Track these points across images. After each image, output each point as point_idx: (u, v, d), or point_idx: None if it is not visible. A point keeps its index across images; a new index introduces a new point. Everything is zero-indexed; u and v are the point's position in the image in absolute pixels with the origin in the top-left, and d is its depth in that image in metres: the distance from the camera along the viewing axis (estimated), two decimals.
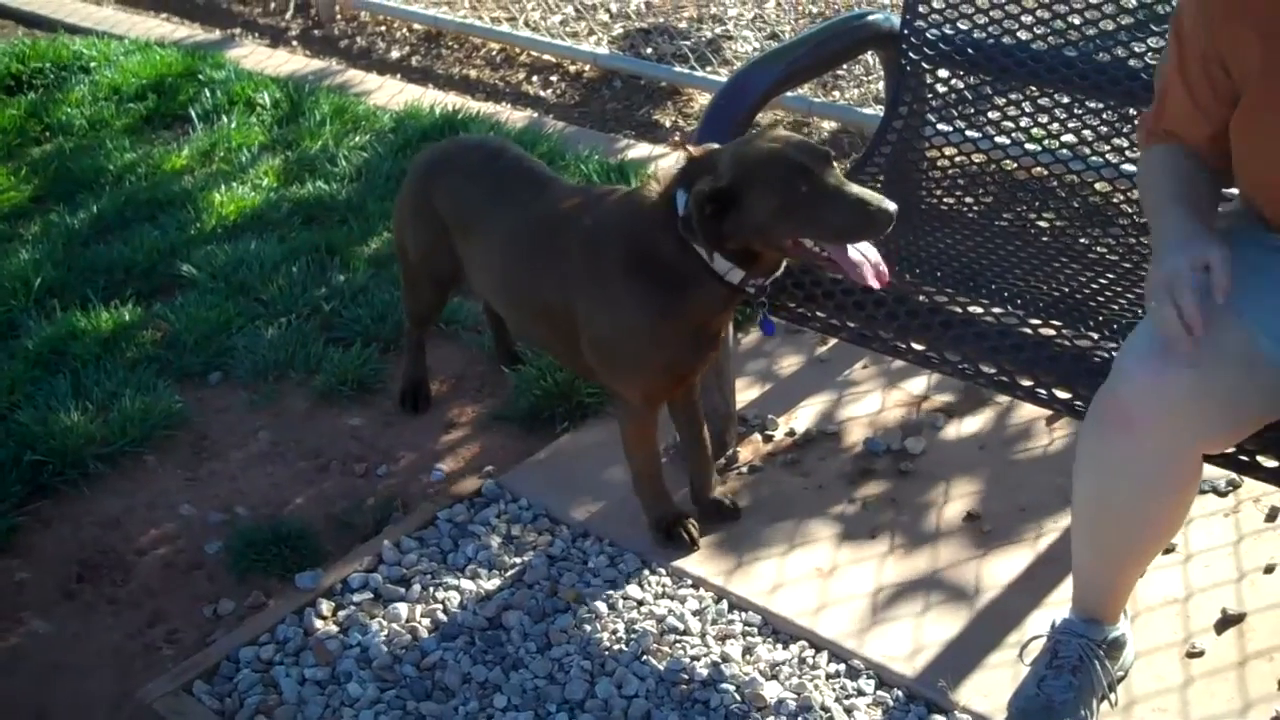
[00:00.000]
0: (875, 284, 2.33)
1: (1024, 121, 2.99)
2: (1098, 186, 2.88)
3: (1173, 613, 2.51)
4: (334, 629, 2.59)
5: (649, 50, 5.39)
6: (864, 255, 2.33)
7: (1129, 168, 2.79)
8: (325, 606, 2.64)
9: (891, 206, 2.26)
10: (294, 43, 6.06)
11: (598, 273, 2.52)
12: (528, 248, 2.69)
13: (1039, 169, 2.97)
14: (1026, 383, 2.33)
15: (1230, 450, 2.10)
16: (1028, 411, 3.07)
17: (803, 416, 3.16)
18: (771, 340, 3.41)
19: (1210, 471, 2.20)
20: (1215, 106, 2.07)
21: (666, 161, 4.49)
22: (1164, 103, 2.16)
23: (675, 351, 2.53)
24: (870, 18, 3.06)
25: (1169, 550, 2.62)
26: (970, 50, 3.00)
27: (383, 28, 6.08)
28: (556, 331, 2.66)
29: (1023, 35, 2.97)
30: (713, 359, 2.69)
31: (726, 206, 2.31)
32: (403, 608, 2.62)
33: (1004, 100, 2.99)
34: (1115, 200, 2.84)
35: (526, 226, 2.69)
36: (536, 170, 2.87)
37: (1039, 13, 2.95)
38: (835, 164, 2.33)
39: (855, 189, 2.29)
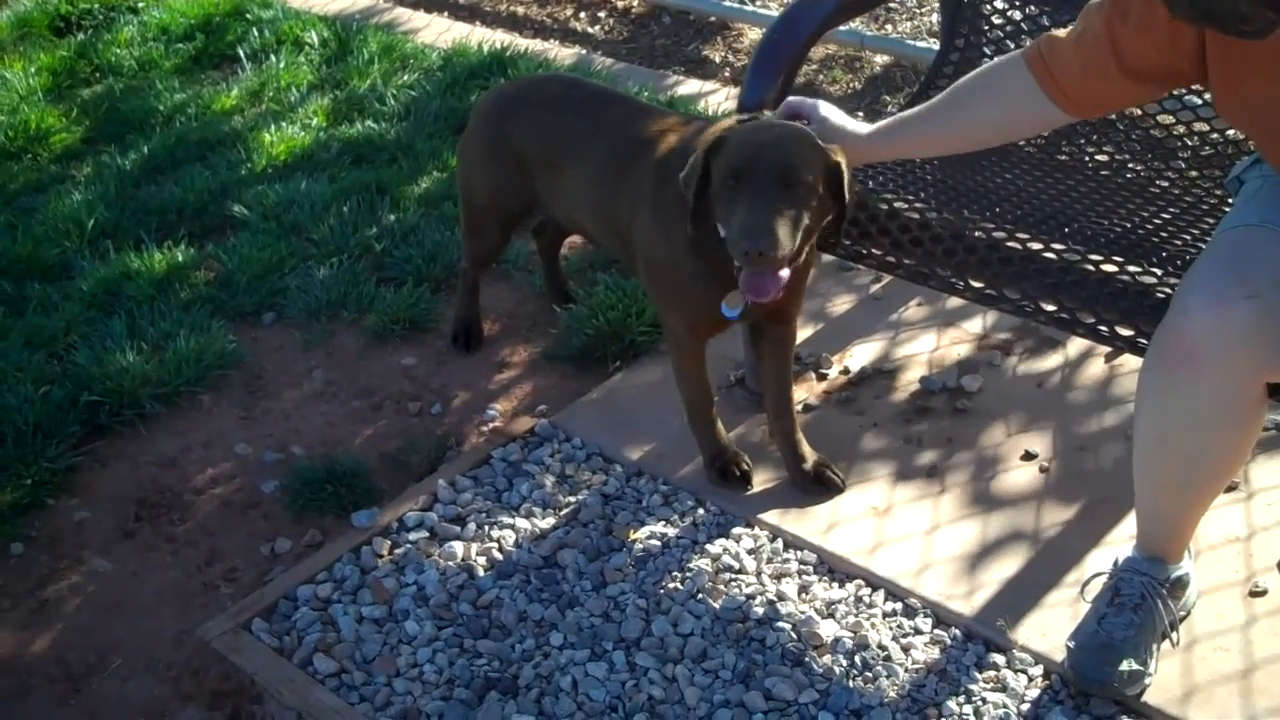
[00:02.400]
0: (747, 296, 2.31)
1: None
2: (1159, 119, 2.82)
3: (1235, 551, 2.48)
4: (391, 567, 2.61)
5: None
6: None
7: (1192, 99, 2.73)
8: (381, 545, 2.65)
9: (759, 251, 2.19)
10: None
11: (649, 202, 2.56)
12: (609, 168, 2.70)
13: None
14: (1088, 320, 2.29)
15: None
16: (1087, 349, 3.04)
17: (857, 355, 3.14)
18: (824, 279, 3.38)
19: (1275, 410, 2.17)
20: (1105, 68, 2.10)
21: (717, 98, 4.45)
22: (1080, 34, 2.14)
23: (710, 292, 2.51)
24: None
25: (1231, 488, 2.59)
26: None
27: None
28: (629, 253, 2.70)
29: None
30: (779, 309, 2.60)
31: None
32: (459, 546, 2.62)
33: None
34: (1177, 133, 2.79)
35: (612, 147, 2.71)
36: (622, 95, 2.93)
37: None
38: (789, 185, 2.25)
39: (759, 216, 2.22)
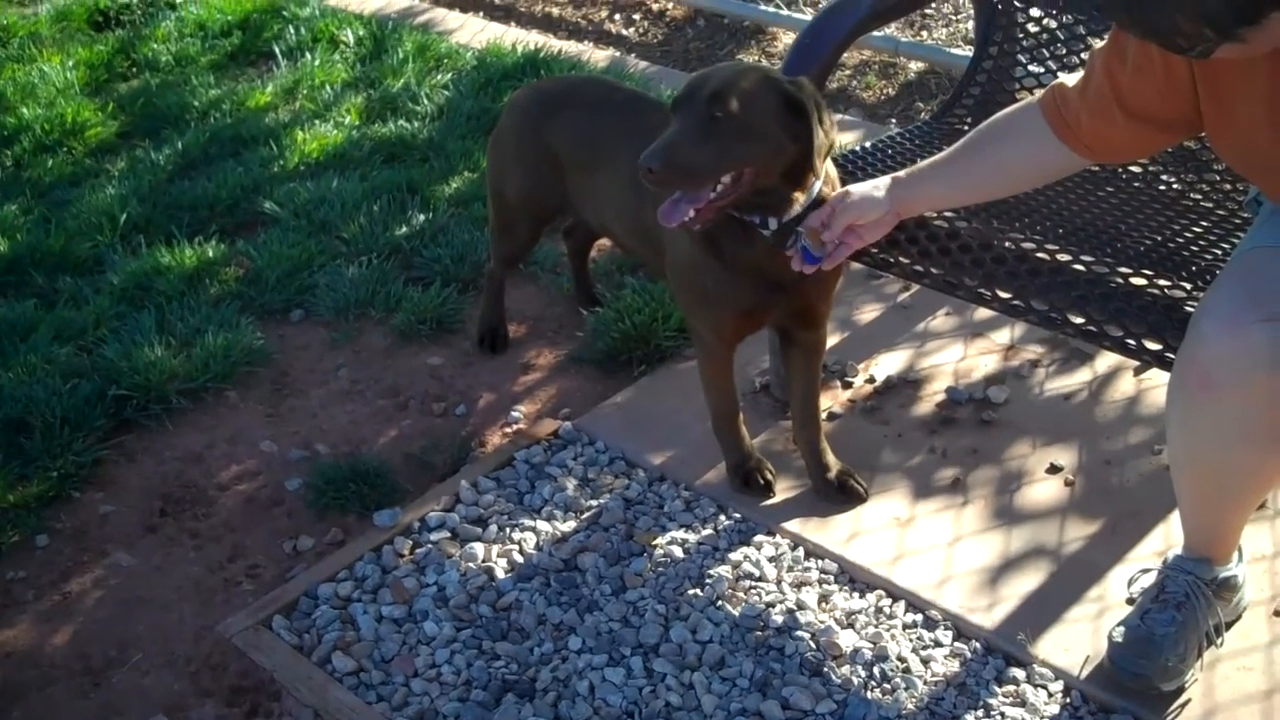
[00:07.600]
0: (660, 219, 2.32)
1: None
2: None
3: (1260, 570, 2.45)
4: (411, 567, 2.61)
5: None
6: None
7: None
8: (403, 545, 2.65)
9: (647, 169, 2.22)
10: None
11: None
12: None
13: None
14: (1116, 333, 2.27)
15: None
16: (1115, 363, 3.01)
17: (883, 364, 3.12)
18: (851, 287, 3.37)
19: None
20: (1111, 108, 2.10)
21: None
22: (1086, 81, 2.14)
23: (730, 288, 2.50)
24: None
25: (1260, 507, 2.56)
26: None
27: None
28: (659, 258, 2.68)
29: None
30: (809, 310, 2.60)
31: None
32: (479, 548, 2.62)
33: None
34: (1210, 145, 2.76)
35: (643, 149, 2.69)
36: (660, 101, 2.91)
37: None
38: (715, 116, 2.24)
39: (663, 139, 2.25)
